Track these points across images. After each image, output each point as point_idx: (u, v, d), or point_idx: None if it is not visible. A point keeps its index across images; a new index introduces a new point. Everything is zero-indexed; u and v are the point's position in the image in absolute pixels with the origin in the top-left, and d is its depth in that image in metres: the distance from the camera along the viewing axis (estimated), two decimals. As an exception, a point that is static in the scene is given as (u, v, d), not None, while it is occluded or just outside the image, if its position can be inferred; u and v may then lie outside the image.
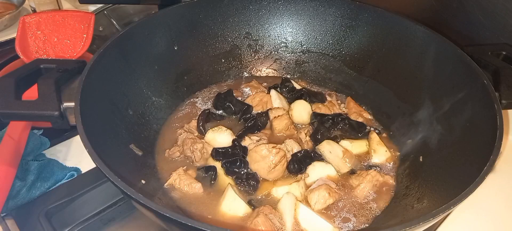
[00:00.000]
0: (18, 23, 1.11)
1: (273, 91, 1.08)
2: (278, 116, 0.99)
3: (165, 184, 0.85)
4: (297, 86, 1.12)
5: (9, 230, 0.80)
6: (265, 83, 1.14)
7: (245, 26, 1.14)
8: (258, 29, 1.15)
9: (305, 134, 0.96)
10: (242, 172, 0.86)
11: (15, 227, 0.81)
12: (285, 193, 0.83)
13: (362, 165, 0.92)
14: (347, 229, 0.79)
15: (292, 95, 1.08)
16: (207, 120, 0.99)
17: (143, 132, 0.93)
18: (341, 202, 0.84)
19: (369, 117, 1.05)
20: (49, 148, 0.99)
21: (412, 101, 0.98)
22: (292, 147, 0.92)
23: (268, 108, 1.03)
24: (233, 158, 0.87)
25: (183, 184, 0.84)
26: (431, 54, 0.94)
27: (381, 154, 0.94)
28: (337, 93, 1.13)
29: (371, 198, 0.85)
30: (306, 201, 0.83)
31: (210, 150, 0.89)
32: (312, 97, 1.07)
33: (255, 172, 0.87)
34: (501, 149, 0.66)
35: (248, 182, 0.84)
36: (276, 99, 1.06)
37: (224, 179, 0.86)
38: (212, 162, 0.88)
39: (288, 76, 1.18)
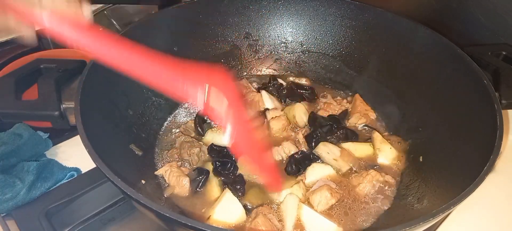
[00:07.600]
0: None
1: (264, 92, 1.07)
2: (275, 117, 0.99)
3: (156, 172, 0.86)
4: (283, 83, 1.12)
5: (9, 230, 0.80)
6: (254, 83, 1.13)
7: (245, 26, 1.13)
8: (258, 29, 1.15)
9: (302, 135, 0.96)
10: (230, 175, 0.86)
11: (15, 227, 0.81)
12: (288, 194, 0.82)
13: (362, 164, 0.92)
14: (348, 228, 0.79)
15: (280, 93, 1.09)
16: (204, 121, 0.99)
17: (143, 132, 0.93)
18: (342, 202, 0.84)
19: (374, 117, 1.04)
20: (49, 147, 0.99)
21: (412, 101, 0.98)
22: (290, 149, 0.92)
23: (260, 107, 1.03)
24: (225, 160, 0.86)
25: (171, 176, 0.84)
26: (431, 54, 0.94)
27: (386, 151, 0.93)
28: (337, 93, 1.13)
29: (371, 197, 0.85)
30: (308, 202, 0.83)
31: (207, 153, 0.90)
32: (301, 90, 1.08)
33: (243, 176, 0.86)
34: (501, 149, 0.66)
35: (234, 186, 0.83)
36: (267, 99, 1.05)
37: (215, 181, 0.86)
38: (209, 167, 0.88)
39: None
